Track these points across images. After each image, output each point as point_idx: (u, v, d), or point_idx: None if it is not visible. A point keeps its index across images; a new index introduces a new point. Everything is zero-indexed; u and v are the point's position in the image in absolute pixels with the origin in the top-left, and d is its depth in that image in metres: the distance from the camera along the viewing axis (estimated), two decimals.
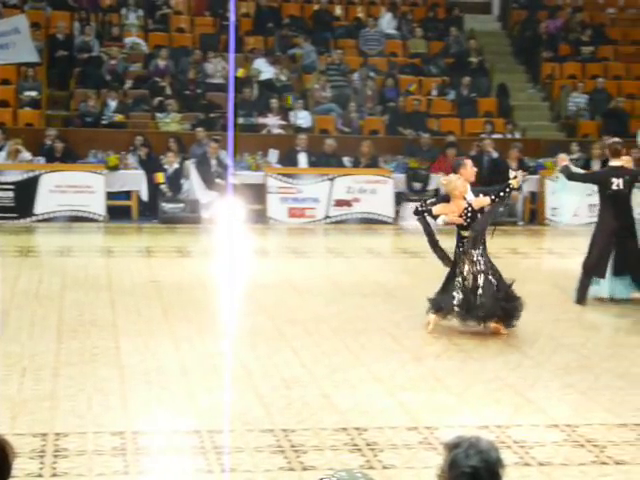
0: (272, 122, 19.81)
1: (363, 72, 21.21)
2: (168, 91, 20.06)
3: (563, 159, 12.25)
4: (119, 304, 11.30)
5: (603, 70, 22.86)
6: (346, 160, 19.11)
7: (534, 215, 19.18)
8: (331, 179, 18.31)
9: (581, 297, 11.73)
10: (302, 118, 20.01)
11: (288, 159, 18.90)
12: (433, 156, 19.19)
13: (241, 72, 20.62)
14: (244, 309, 11.37)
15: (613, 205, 11.66)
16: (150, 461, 6.69)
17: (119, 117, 19.41)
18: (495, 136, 20.07)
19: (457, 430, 6.71)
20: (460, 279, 10.17)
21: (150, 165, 18.36)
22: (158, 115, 19.74)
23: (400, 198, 18.70)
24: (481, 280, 10.09)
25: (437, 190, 18.86)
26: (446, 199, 10.41)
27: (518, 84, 22.93)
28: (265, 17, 22.48)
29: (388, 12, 23.31)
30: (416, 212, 10.57)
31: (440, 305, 10.28)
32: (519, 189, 10.79)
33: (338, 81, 21.23)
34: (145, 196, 18.22)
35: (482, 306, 10.06)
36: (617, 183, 11.60)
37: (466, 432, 3.67)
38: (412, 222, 18.18)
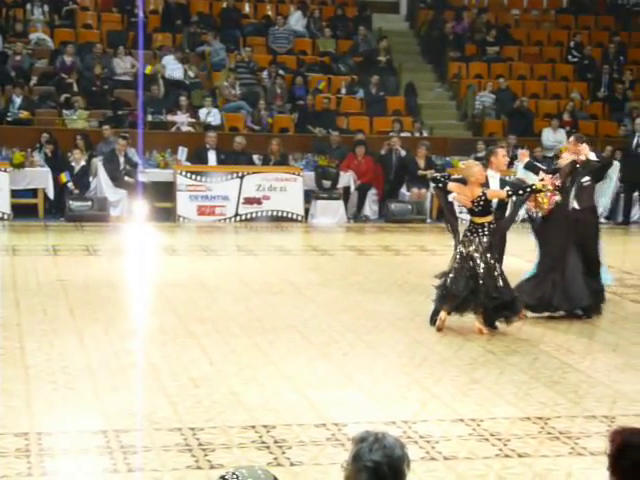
0: (181, 120, 19.71)
1: (272, 70, 21.22)
2: (75, 88, 19.82)
3: (524, 154, 11.69)
4: (24, 303, 11.12)
5: (508, 70, 23.27)
6: (256, 158, 19.10)
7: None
8: (241, 177, 18.27)
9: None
10: (211, 116, 19.94)
11: (197, 157, 18.81)
12: (342, 154, 19.28)
13: (149, 69, 20.49)
14: (152, 307, 11.30)
15: (577, 198, 11.62)
16: (55, 462, 6.60)
17: (24, 114, 19.11)
18: (403, 134, 20.28)
19: (364, 426, 6.74)
20: (463, 261, 10.14)
21: (56, 162, 18.12)
22: (65, 112, 19.49)
23: (309, 196, 18.77)
24: (482, 266, 10.06)
25: (347, 188, 19.01)
26: (465, 180, 10.36)
27: (426, 83, 23.19)
28: (173, 14, 22.35)
29: (297, 10, 23.39)
30: (434, 180, 10.70)
31: (447, 295, 10.22)
32: (543, 192, 10.64)
33: (247, 79, 21.22)
34: (51, 194, 17.97)
35: (482, 291, 10.06)
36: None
37: (374, 428, 3.70)
38: (320, 220, 18.42)
